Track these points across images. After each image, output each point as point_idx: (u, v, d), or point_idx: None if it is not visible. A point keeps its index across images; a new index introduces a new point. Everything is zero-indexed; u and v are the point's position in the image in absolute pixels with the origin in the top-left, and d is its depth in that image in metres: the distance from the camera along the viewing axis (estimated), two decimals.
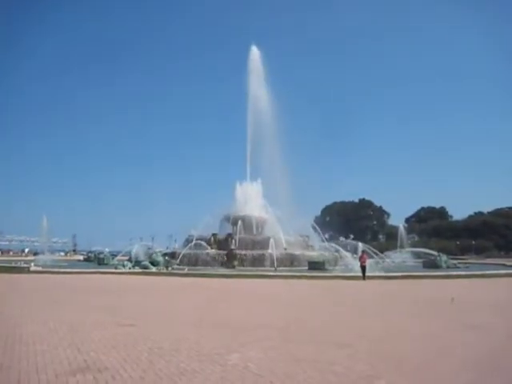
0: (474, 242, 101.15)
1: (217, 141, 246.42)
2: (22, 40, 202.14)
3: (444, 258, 52.51)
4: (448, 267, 48.89)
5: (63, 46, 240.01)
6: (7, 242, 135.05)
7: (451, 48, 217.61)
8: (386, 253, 59.02)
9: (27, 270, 37.97)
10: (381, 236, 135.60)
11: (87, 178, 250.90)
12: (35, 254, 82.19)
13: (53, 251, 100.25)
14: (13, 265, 45.93)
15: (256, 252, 48.82)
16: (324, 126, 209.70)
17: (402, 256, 61.61)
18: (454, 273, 38.70)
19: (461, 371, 7.84)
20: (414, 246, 76.12)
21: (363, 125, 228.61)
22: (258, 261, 47.52)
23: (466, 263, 59.08)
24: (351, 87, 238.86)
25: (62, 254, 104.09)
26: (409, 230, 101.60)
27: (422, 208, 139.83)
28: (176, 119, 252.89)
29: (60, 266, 44.82)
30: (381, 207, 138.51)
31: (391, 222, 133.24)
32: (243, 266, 46.45)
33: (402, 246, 70.75)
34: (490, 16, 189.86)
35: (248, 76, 69.22)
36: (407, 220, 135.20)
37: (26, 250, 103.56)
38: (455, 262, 55.83)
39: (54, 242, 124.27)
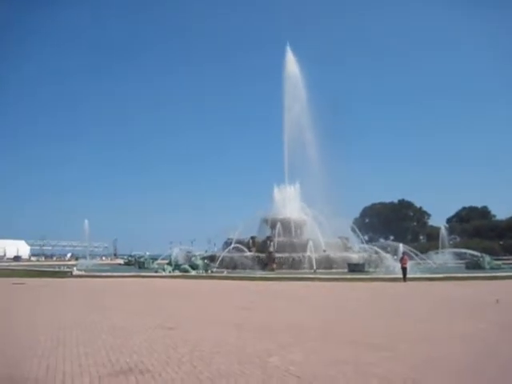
0: None
1: (254, 144, 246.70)
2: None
3: (487, 258, 51.34)
4: (492, 268, 47.77)
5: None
6: (50, 247, 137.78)
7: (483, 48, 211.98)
8: (427, 254, 58.00)
9: (70, 275, 38.62)
10: (421, 237, 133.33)
11: (128, 184, 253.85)
12: (77, 258, 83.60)
13: (94, 255, 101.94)
14: (56, 269, 46.80)
15: (295, 254, 48.58)
16: (362, 125, 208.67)
17: (443, 257, 60.52)
18: (498, 274, 37.90)
19: (507, 373, 7.68)
20: (455, 246, 74.64)
21: (402, 125, 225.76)
22: (296, 263, 47.36)
23: (510, 264, 57.77)
24: (385, 89, 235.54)
25: (104, 258, 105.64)
26: (450, 231, 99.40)
27: (464, 208, 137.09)
28: (211, 122, 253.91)
29: (101, 270, 45.46)
30: (421, 208, 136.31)
31: (432, 222, 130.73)
32: (282, 268, 46.33)
33: (443, 247, 69.42)
34: None
35: (283, 78, 69.09)
36: (448, 220, 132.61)
37: (69, 255, 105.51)
38: (499, 262, 54.59)
39: (96, 247, 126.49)
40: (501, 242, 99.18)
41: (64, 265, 57.04)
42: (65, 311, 15.62)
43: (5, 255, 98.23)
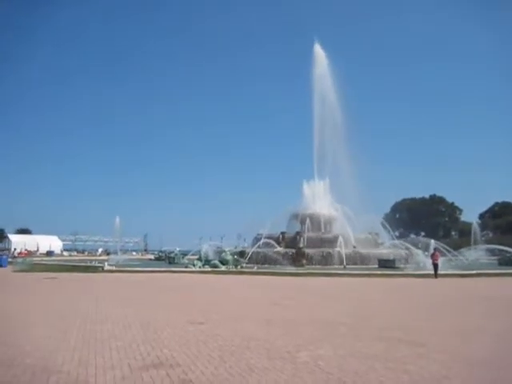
0: None
1: (284, 139, 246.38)
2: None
3: None
4: None
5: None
6: (82, 243, 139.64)
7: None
8: (459, 250, 57.10)
9: (101, 270, 39.05)
10: (453, 233, 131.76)
11: (158, 180, 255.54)
12: (108, 253, 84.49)
13: (125, 250, 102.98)
14: (87, 264, 47.37)
15: (325, 250, 48.43)
16: (393, 120, 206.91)
17: (476, 253, 59.59)
18: None
19: None
20: (488, 242, 73.58)
21: (434, 120, 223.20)
22: (326, 259, 47.19)
23: None
24: (413, 87, 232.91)
25: (134, 253, 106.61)
26: (483, 227, 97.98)
27: (496, 203, 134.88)
28: (242, 119, 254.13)
29: (132, 265, 45.89)
30: (453, 203, 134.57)
31: (464, 218, 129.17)
32: (312, 264, 46.21)
33: (475, 243, 68.33)
34: None
35: (313, 75, 68.71)
36: (481, 216, 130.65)
37: (100, 250, 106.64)
38: None
39: (127, 242, 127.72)
40: None
41: (95, 260, 57.60)
42: (96, 305, 15.81)
43: (38, 250, 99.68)
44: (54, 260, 62.93)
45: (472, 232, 74.89)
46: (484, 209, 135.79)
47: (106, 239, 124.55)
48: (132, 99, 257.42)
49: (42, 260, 60.73)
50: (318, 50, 69.54)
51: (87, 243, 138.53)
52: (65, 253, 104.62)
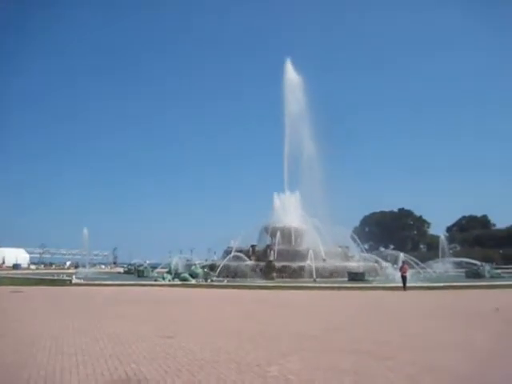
0: None
1: (255, 152, 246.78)
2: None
3: (487, 267, 51.36)
4: (492, 277, 47.73)
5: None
6: (50, 256, 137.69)
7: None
8: (428, 263, 57.84)
9: (69, 283, 38.57)
10: (421, 246, 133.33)
11: (127, 192, 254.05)
12: (76, 267, 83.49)
13: (94, 264, 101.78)
14: (55, 277, 46.68)
15: (295, 263, 48.52)
16: (361, 135, 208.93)
17: (443, 266, 60.49)
18: (498, 282, 37.89)
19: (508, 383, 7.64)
20: (455, 255, 74.73)
21: (401, 134, 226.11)
22: (296, 272, 47.24)
23: (510, 272, 57.72)
24: (383, 97, 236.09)
25: (103, 266, 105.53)
26: (450, 240, 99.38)
27: (464, 217, 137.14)
28: (212, 131, 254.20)
29: (100, 279, 45.48)
30: (421, 217, 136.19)
31: (432, 231, 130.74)
32: (282, 277, 46.20)
33: (443, 256, 69.27)
34: None
35: (283, 87, 69.32)
36: (448, 229, 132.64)
37: (68, 263, 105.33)
38: (499, 271, 54.59)
39: (95, 255, 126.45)
40: (500, 251, 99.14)
41: (63, 273, 56.81)
42: (63, 319, 15.55)
43: (4, 263, 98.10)
44: (20, 273, 61.92)
45: (440, 245, 75.83)
46: (451, 222, 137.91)
47: (74, 252, 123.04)
48: (104, 120, 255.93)
49: (8, 273, 59.59)
50: (289, 65, 70.31)
51: (55, 256, 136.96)
52: (32, 266, 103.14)
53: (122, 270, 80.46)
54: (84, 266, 73.38)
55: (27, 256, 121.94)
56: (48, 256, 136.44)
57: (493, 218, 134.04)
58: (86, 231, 71.64)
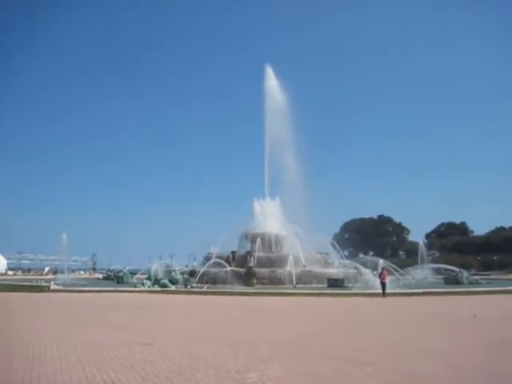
0: (495, 258, 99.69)
1: (235, 158, 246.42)
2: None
3: (465, 273, 51.89)
4: (470, 283, 48.20)
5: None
6: (28, 261, 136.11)
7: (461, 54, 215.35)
8: (407, 269, 58.16)
9: (47, 289, 38.19)
10: (401, 252, 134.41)
11: (107, 197, 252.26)
12: (55, 272, 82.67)
13: (73, 270, 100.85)
14: (33, 284, 46.23)
15: (275, 269, 48.50)
16: (342, 142, 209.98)
17: (422, 272, 60.90)
18: (476, 289, 38.25)
19: None
20: (434, 262, 75.28)
21: (382, 141, 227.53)
22: (276, 278, 47.19)
23: (488, 279, 58.36)
24: (365, 101, 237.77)
25: (82, 272, 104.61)
26: (429, 246, 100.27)
27: (442, 223, 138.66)
28: (194, 136, 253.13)
29: (80, 285, 45.09)
30: (400, 223, 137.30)
31: (411, 238, 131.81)
32: (262, 283, 46.18)
33: (422, 263, 69.73)
34: None
35: (264, 93, 69.62)
36: (427, 236, 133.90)
37: (46, 269, 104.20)
38: (477, 277, 55.18)
39: (74, 261, 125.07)
40: (479, 258, 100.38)
41: (41, 279, 56.28)
42: (41, 326, 15.41)
43: None
44: None
45: (419, 251, 76.37)
46: (430, 229, 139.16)
47: (52, 258, 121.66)
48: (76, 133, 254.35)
49: None
50: (269, 70, 70.66)
51: (33, 262, 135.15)
52: (9, 272, 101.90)
53: (101, 275, 79.77)
54: (62, 272, 72.64)
55: (4, 262, 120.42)
56: (26, 262, 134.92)
57: (471, 225, 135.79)
58: (64, 236, 71.02)
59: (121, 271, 68.19)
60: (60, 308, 23.75)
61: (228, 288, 41.42)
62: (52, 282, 44.00)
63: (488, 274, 74.47)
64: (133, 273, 62.65)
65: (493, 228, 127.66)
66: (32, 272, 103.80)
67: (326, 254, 59.63)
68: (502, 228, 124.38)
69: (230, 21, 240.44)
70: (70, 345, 11.52)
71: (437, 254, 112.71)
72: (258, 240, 55.81)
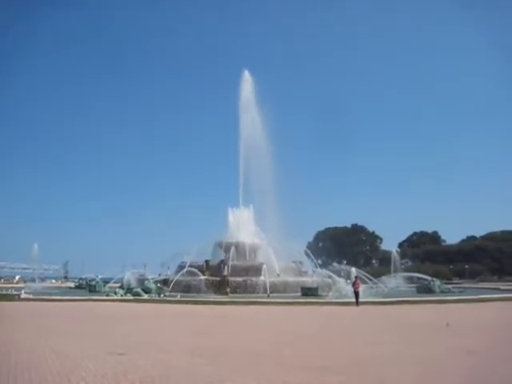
0: (467, 267, 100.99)
1: (209, 166, 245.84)
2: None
3: (438, 282, 52.44)
4: (442, 292, 48.78)
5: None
6: None
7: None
8: (380, 278, 58.71)
9: (17, 298, 37.60)
10: (374, 261, 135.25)
11: (79, 204, 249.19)
12: (26, 281, 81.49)
13: (44, 278, 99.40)
14: (3, 292, 45.54)
15: (249, 278, 48.47)
16: (315, 150, 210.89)
17: (395, 281, 61.47)
18: (448, 297, 38.66)
19: None
20: (407, 270, 76.13)
21: (354, 150, 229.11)
22: (250, 287, 47.17)
23: (459, 287, 59.09)
24: (341, 110, 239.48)
25: (54, 281, 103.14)
26: (402, 255, 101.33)
27: (415, 233, 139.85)
28: (167, 145, 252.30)
29: (51, 294, 44.48)
30: (373, 232, 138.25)
31: (384, 246, 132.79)
32: (236, 292, 46.06)
33: (395, 271, 70.51)
34: None
35: (239, 102, 69.72)
36: (400, 245, 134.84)
37: (17, 278, 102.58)
38: (449, 286, 55.86)
39: (46, 269, 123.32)
40: (451, 267, 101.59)
41: (12, 287, 55.49)
42: (9, 335, 15.14)
43: None
44: None
45: (392, 260, 77.15)
46: (403, 238, 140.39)
47: (24, 266, 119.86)
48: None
49: None
50: (246, 77, 70.78)
51: (4, 270, 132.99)
52: None
53: (72, 284, 78.77)
54: (33, 281, 71.67)
55: None
56: None
57: (443, 234, 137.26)
58: (35, 246, 70.19)
59: (93, 280, 67.33)
60: (30, 317, 23.37)
61: (202, 297, 41.23)
62: (22, 291, 43.37)
63: (460, 283, 75.45)
64: (105, 281, 62.00)
65: (464, 237, 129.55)
66: (2, 280, 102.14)
67: (300, 262, 59.85)
68: (473, 237, 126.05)
69: (210, 26, 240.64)
70: (39, 355, 11.35)
71: (409, 263, 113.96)
72: (232, 249, 55.74)
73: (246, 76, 71.24)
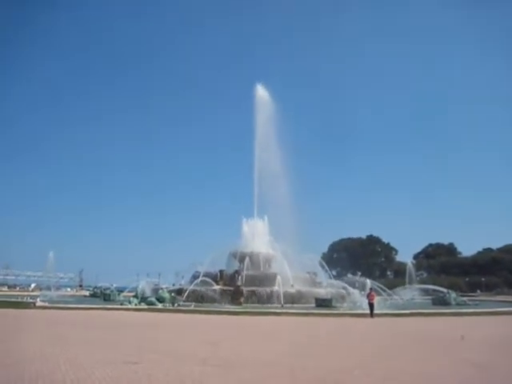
0: (483, 279, 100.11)
1: (224, 177, 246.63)
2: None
3: (453, 294, 52.10)
4: (457, 304, 48.47)
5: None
6: (14, 277, 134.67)
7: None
8: (395, 290, 58.32)
9: (33, 306, 37.81)
10: (389, 273, 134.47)
11: (95, 214, 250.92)
12: (41, 289, 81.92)
13: (59, 286, 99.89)
14: (19, 300, 45.79)
15: (263, 289, 48.41)
16: (331, 162, 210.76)
17: (410, 293, 61.08)
18: (464, 310, 38.34)
19: None
20: (422, 282, 75.61)
21: (371, 161, 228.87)
22: (264, 298, 47.09)
23: (475, 300, 58.57)
24: (355, 121, 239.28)
25: (69, 289, 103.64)
26: (417, 267, 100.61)
27: (430, 244, 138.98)
28: (182, 154, 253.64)
29: (66, 302, 44.68)
30: (388, 244, 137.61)
31: (399, 258, 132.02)
32: (249, 302, 46.03)
33: (410, 283, 69.98)
34: None
35: (254, 114, 70.00)
36: (415, 256, 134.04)
37: (33, 285, 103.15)
38: (465, 299, 55.37)
39: (61, 278, 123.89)
40: (466, 279, 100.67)
41: (27, 295, 55.82)
42: (24, 343, 15.24)
43: None
44: None
45: (407, 272, 76.59)
46: (418, 250, 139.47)
47: (39, 274, 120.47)
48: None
49: None
50: (260, 90, 70.97)
51: (19, 278, 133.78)
52: None
53: (87, 293, 79.09)
54: (49, 289, 72.00)
55: None
56: (12, 277, 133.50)
57: (459, 246, 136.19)
58: (51, 254, 70.48)
59: (108, 288, 67.67)
60: (45, 325, 23.51)
61: (215, 307, 41.23)
62: (38, 299, 43.61)
63: (475, 295, 74.77)
64: (120, 290, 62.24)
65: (480, 249, 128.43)
66: (18, 288, 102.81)
67: (314, 273, 59.70)
68: (490, 249, 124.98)
69: (223, 38, 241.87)
70: (54, 363, 11.40)
71: (425, 275, 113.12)
72: (247, 259, 55.77)
73: (260, 90, 71.54)
